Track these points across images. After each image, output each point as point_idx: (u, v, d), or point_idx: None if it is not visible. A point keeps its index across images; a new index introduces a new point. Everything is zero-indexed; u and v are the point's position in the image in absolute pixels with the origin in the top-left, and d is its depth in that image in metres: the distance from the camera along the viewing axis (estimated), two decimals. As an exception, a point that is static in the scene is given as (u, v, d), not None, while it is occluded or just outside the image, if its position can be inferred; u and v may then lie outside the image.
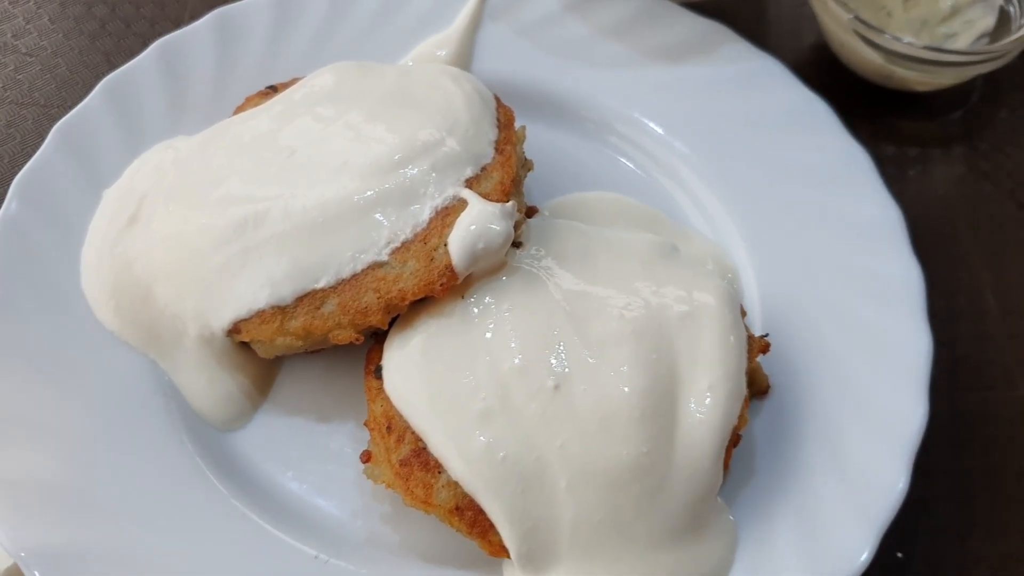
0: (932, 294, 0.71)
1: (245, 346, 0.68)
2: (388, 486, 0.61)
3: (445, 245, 0.63)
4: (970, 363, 0.76)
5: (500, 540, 0.59)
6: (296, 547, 0.62)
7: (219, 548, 0.61)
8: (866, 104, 0.89)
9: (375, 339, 0.66)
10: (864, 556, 0.59)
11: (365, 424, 0.64)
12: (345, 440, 0.67)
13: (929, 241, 0.75)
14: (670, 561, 0.59)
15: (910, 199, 0.79)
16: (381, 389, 0.63)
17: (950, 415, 0.73)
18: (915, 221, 0.74)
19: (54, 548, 0.58)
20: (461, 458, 0.59)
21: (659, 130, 0.81)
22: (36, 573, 0.56)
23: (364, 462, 0.63)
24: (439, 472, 0.60)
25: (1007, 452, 0.71)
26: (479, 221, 0.63)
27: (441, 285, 0.62)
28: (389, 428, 0.62)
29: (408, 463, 0.60)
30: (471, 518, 0.59)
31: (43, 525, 0.59)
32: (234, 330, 0.65)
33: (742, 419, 0.63)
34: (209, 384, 0.67)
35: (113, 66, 0.80)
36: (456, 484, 0.59)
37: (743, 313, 0.67)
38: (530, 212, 0.72)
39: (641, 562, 0.58)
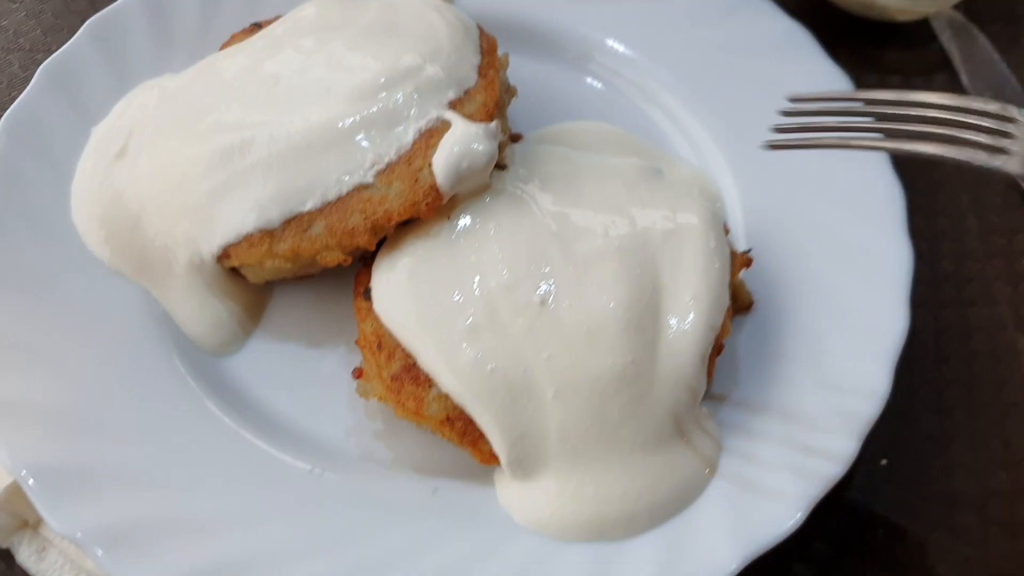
0: (915, 215, 0.72)
1: (235, 273, 0.68)
2: (380, 399, 0.62)
3: (430, 166, 0.63)
4: (951, 280, 0.77)
5: (490, 448, 0.60)
6: (290, 463, 0.62)
7: (216, 465, 0.61)
8: (848, 35, 0.89)
9: (363, 262, 0.67)
10: (848, 456, 0.60)
11: (356, 343, 0.65)
12: (337, 363, 0.67)
13: (911, 166, 0.76)
14: (655, 465, 0.60)
15: None
16: (371, 310, 0.64)
17: (932, 331, 0.74)
18: None
19: (53, 466, 0.58)
20: (451, 372, 0.60)
21: (641, 58, 0.82)
22: (35, 488, 0.57)
23: (356, 378, 0.64)
24: (429, 386, 0.61)
25: (986, 364, 0.72)
26: (463, 141, 0.63)
27: (426, 205, 0.63)
28: (379, 346, 0.63)
29: (399, 378, 0.61)
30: (461, 428, 0.60)
31: (42, 444, 0.59)
32: (224, 255, 0.65)
33: (725, 328, 0.64)
34: (200, 310, 0.68)
35: (98, 11, 0.79)
36: (446, 396, 0.60)
37: (726, 231, 0.67)
38: (514, 138, 0.73)
39: (627, 466, 0.59)
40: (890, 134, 0.59)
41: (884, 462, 0.68)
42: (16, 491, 0.62)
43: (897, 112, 0.59)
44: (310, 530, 0.59)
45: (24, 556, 0.63)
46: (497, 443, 0.60)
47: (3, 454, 0.59)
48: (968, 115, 0.58)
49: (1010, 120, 0.57)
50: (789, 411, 0.63)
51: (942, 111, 0.58)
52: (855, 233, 0.71)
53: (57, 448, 0.60)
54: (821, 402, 0.63)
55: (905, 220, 0.71)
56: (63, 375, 0.63)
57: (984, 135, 0.57)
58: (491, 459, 0.61)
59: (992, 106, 0.58)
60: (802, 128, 0.61)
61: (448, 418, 0.60)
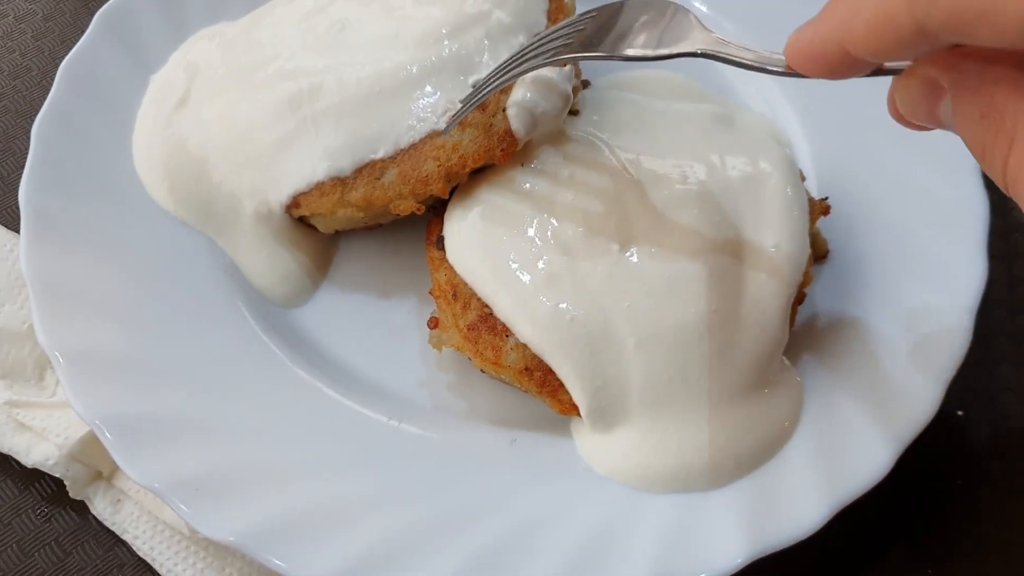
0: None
1: (302, 223, 0.67)
2: (457, 349, 0.61)
3: (503, 111, 0.62)
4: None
5: (570, 399, 0.59)
6: (367, 414, 0.62)
7: (290, 416, 0.61)
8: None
9: (434, 212, 0.66)
10: (934, 402, 0.59)
11: (430, 293, 0.64)
12: (407, 314, 0.67)
13: None
14: (738, 416, 0.59)
15: None
16: (444, 259, 0.63)
17: (1007, 281, 0.72)
18: None
19: (128, 417, 0.58)
20: (529, 322, 0.59)
21: (705, 8, 0.80)
22: (112, 440, 0.56)
23: (431, 328, 0.63)
24: (507, 335, 0.60)
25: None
26: (537, 86, 0.61)
27: (501, 151, 0.61)
28: (455, 295, 0.62)
29: (476, 327, 0.60)
30: (540, 378, 0.59)
31: (115, 395, 0.59)
32: (293, 204, 0.64)
33: (807, 277, 0.62)
34: (268, 261, 0.67)
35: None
36: (524, 346, 0.59)
37: (802, 178, 0.66)
38: (584, 85, 0.71)
39: (710, 417, 0.58)
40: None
41: (960, 413, 0.67)
42: (89, 443, 0.62)
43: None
44: (388, 480, 0.59)
45: (99, 508, 0.62)
46: (577, 393, 0.59)
47: (78, 405, 0.58)
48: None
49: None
50: (870, 359, 0.62)
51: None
52: (927, 180, 0.69)
53: (131, 399, 0.59)
54: (902, 350, 0.62)
55: (979, 168, 0.67)
56: (132, 326, 0.62)
57: None
58: (570, 409, 0.60)
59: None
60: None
61: (527, 368, 0.59)
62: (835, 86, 0.73)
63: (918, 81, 0.42)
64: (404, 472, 0.59)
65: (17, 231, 0.70)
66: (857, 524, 0.62)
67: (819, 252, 0.68)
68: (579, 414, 0.60)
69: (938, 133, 0.69)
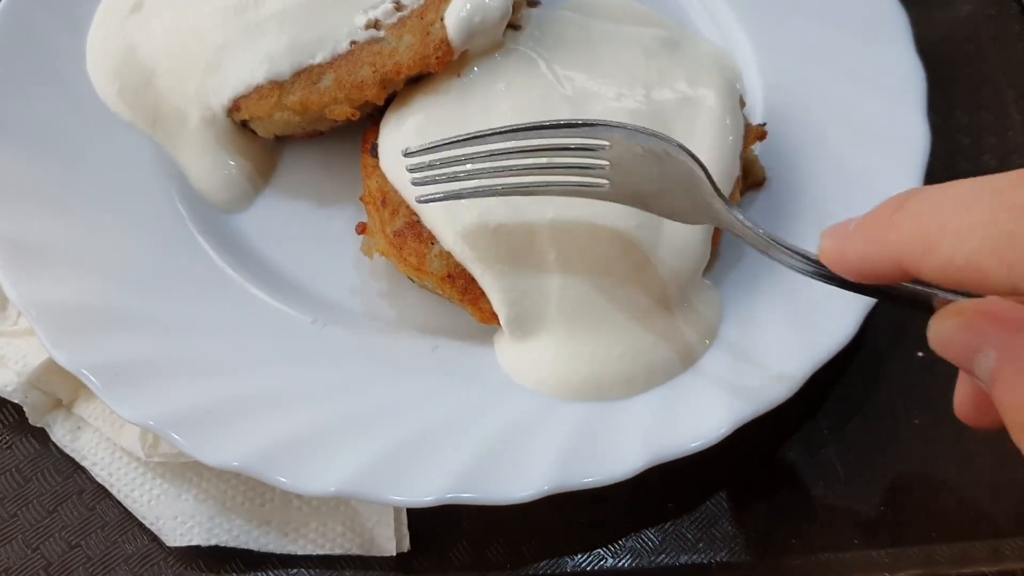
0: (958, 110, 0.70)
1: (246, 130, 0.67)
2: (382, 255, 0.62)
3: (442, 20, 0.61)
4: (995, 172, 0.74)
5: (490, 307, 0.59)
6: (293, 315, 0.62)
7: (219, 314, 0.61)
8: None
9: (371, 120, 0.66)
10: (847, 335, 0.59)
11: (361, 199, 0.64)
12: (344, 223, 0.66)
13: (954, 60, 0.73)
14: (654, 329, 0.59)
15: (935, 22, 0.77)
16: (377, 167, 0.63)
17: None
18: (940, 43, 0.72)
19: (58, 304, 0.59)
20: (453, 230, 0.59)
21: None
22: (39, 320, 0.57)
23: (359, 233, 0.63)
24: (432, 243, 0.60)
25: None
26: (476, -4, 0.61)
27: (437, 59, 0.61)
28: (384, 202, 0.62)
29: (402, 234, 0.61)
30: (463, 286, 0.60)
31: (48, 283, 0.60)
32: (234, 108, 0.64)
33: (733, 199, 0.62)
34: (212, 166, 0.67)
35: None
36: (448, 254, 0.59)
37: (742, 104, 0.65)
38: (532, 3, 0.69)
39: (626, 329, 0.59)
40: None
41: (920, 355, 0.66)
42: (49, 370, 0.62)
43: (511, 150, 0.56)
44: (310, 378, 0.59)
45: (59, 435, 0.63)
46: (497, 302, 0.59)
47: (11, 292, 0.58)
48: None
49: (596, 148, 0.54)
50: (794, 286, 0.61)
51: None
52: (873, 111, 0.68)
53: (63, 288, 0.60)
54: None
55: (924, 101, 0.68)
56: (70, 217, 0.63)
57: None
58: (491, 318, 0.60)
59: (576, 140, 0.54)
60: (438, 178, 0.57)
61: (449, 275, 0.60)
62: (790, 12, 0.74)
63: (963, 322, 0.41)
64: (326, 372, 0.60)
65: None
66: (821, 465, 0.62)
67: (756, 178, 0.67)
68: (499, 323, 0.60)
69: (884, 64, 0.70)
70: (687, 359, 0.59)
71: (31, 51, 0.69)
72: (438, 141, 0.57)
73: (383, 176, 0.63)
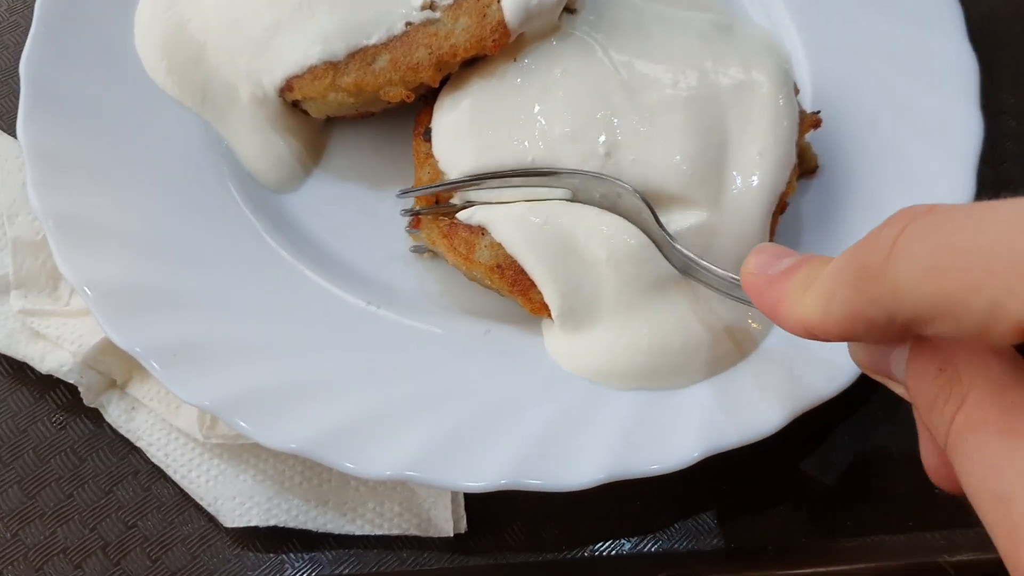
0: (1001, 92, 0.70)
1: (297, 109, 0.67)
2: (432, 244, 0.62)
3: (498, 2, 0.61)
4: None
5: (541, 299, 0.59)
6: (346, 298, 0.63)
7: (272, 296, 0.62)
8: None
9: (424, 102, 0.65)
10: None
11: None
12: (394, 205, 0.66)
13: (1000, 40, 0.73)
14: (711, 318, 0.59)
15: (980, 0, 0.76)
16: (429, 154, 0.63)
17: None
18: (984, 22, 0.71)
19: (112, 283, 0.59)
20: (504, 219, 0.59)
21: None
22: (93, 299, 0.58)
23: (412, 227, 0.63)
24: (483, 233, 0.60)
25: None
26: (534, -22, 0.60)
27: (493, 42, 0.61)
28: (436, 200, 0.62)
29: (454, 225, 0.61)
30: (512, 277, 0.59)
31: (102, 262, 0.60)
32: (286, 88, 0.64)
33: (790, 186, 0.62)
34: (262, 146, 0.67)
35: None
36: (498, 245, 0.59)
37: (796, 91, 0.65)
38: None
39: (683, 320, 0.59)
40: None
41: None
42: (103, 350, 0.62)
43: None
44: (364, 361, 0.59)
45: (113, 415, 0.63)
46: (548, 294, 0.59)
47: (65, 269, 0.59)
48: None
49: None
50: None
51: None
52: (923, 100, 0.68)
53: (118, 268, 0.60)
54: None
55: (977, 91, 0.68)
56: (124, 198, 0.63)
57: None
58: (541, 309, 0.60)
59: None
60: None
61: (498, 265, 0.59)
62: (840, 4, 0.74)
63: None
64: (379, 355, 0.60)
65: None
66: (875, 448, 0.63)
67: (809, 165, 0.67)
68: (550, 315, 0.60)
69: (936, 54, 0.70)
70: (744, 348, 0.59)
71: (82, 28, 0.68)
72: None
73: (435, 165, 0.62)
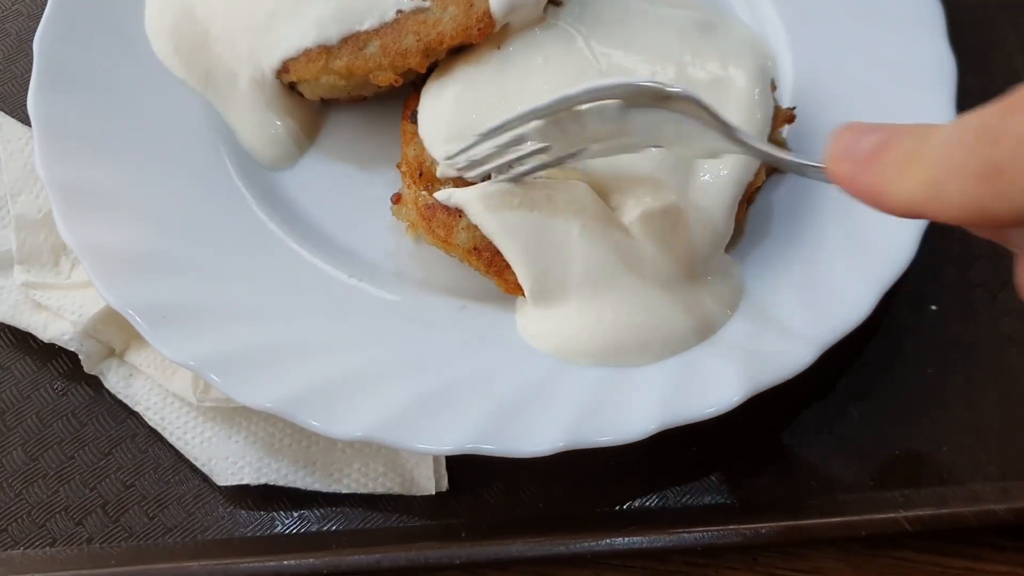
0: (967, 75, 0.70)
1: (294, 92, 0.70)
2: (412, 225, 0.64)
3: None
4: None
5: (515, 279, 0.61)
6: (329, 270, 0.66)
7: (262, 267, 0.65)
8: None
9: (414, 87, 0.68)
10: (866, 309, 0.61)
11: (398, 166, 0.66)
12: (383, 187, 0.69)
13: (965, 24, 0.75)
14: (675, 301, 0.61)
15: None
16: (415, 134, 0.65)
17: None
18: (949, 8, 0.72)
19: (108, 246, 0.62)
20: (480, 202, 0.61)
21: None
22: (92, 265, 0.61)
23: (394, 203, 0.66)
24: (460, 216, 0.62)
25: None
26: (520, -29, 0.62)
27: (478, 31, 0.64)
28: (420, 174, 0.64)
29: (432, 206, 0.63)
30: (488, 258, 0.62)
31: (102, 227, 0.63)
32: (283, 70, 0.67)
33: (758, 176, 0.64)
34: (260, 125, 0.70)
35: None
36: (475, 227, 0.61)
37: (773, 87, 0.67)
38: None
39: (647, 299, 0.61)
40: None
41: (934, 307, 0.69)
42: (103, 320, 0.65)
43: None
44: (344, 329, 0.62)
45: (112, 382, 0.66)
46: (522, 274, 0.61)
47: (66, 235, 0.62)
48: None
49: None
50: (815, 263, 0.64)
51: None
52: (902, 102, 0.70)
53: (115, 232, 0.63)
54: (848, 258, 0.64)
55: (954, 93, 0.69)
56: (125, 168, 0.66)
57: None
58: (515, 289, 0.62)
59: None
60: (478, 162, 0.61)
61: (476, 247, 0.62)
62: (827, 5, 0.76)
63: None
64: (358, 325, 0.63)
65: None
66: (838, 412, 0.65)
67: None
68: (523, 294, 0.62)
69: (916, 56, 0.71)
70: (707, 330, 0.61)
71: (95, 9, 0.72)
72: (473, 139, 0.60)
73: (420, 144, 0.65)
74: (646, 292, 0.61)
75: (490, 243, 0.61)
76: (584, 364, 0.61)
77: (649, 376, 0.60)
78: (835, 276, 0.63)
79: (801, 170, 0.52)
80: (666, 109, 0.55)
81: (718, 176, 0.62)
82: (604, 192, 0.62)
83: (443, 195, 0.62)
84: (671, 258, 0.61)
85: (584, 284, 0.61)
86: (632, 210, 0.61)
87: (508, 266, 0.61)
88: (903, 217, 0.39)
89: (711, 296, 0.63)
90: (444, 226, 0.62)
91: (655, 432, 0.56)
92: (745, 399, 0.57)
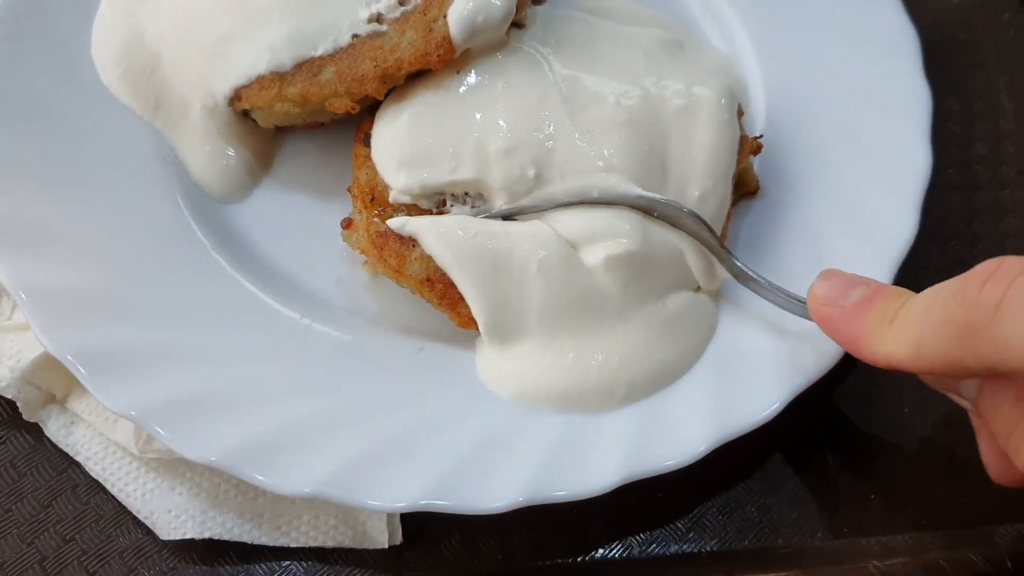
0: (949, 96, 0.70)
1: (247, 119, 0.68)
2: (363, 252, 0.62)
3: (445, 17, 0.61)
4: (984, 163, 0.75)
5: (469, 312, 0.59)
6: (280, 310, 0.63)
7: (207, 305, 0.62)
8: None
9: (369, 111, 0.65)
10: (833, 358, 0.59)
11: (349, 190, 0.64)
12: (338, 217, 0.65)
13: (946, 46, 0.74)
14: (636, 344, 0.59)
15: (928, 7, 0.77)
16: (368, 157, 0.63)
17: (966, 213, 0.73)
18: (932, 26, 0.72)
19: (44, 286, 0.59)
20: (434, 232, 0.59)
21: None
22: (25, 300, 0.58)
23: (344, 228, 0.63)
24: (413, 245, 0.59)
25: (1020, 245, 0.71)
26: (480, -5, 0.60)
27: (438, 56, 0.61)
28: (372, 199, 0.62)
29: (385, 234, 0.60)
30: (441, 290, 0.59)
31: (37, 263, 0.60)
32: (236, 97, 0.65)
33: (728, 218, 0.63)
34: (211, 155, 0.68)
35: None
36: (428, 258, 0.59)
37: (741, 113, 0.64)
38: (537, 1, 0.69)
39: (609, 339, 0.59)
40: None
41: None
42: (42, 365, 0.62)
43: None
44: (295, 374, 0.60)
45: (53, 430, 0.63)
46: (476, 308, 0.59)
47: (3, 275, 0.59)
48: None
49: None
50: (785, 314, 0.60)
51: None
52: (875, 132, 0.68)
53: (52, 269, 0.60)
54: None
55: (929, 125, 0.68)
56: (64, 199, 0.63)
57: None
58: (469, 323, 0.59)
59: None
60: None
61: (428, 279, 0.59)
62: (797, 26, 0.73)
63: None
64: (310, 369, 0.60)
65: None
66: (812, 455, 0.63)
67: (749, 188, 0.67)
68: (477, 328, 0.59)
69: (890, 84, 0.70)
70: (672, 375, 0.59)
71: (38, 30, 0.69)
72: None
73: (372, 168, 0.63)
74: (608, 332, 0.59)
75: (444, 275, 0.59)
76: (546, 410, 0.58)
77: (613, 424, 0.57)
78: (804, 317, 0.60)
79: (781, 301, 0.56)
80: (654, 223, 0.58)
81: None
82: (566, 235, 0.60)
83: (396, 223, 0.60)
84: (637, 298, 0.59)
85: (542, 322, 0.59)
86: (596, 254, 0.59)
87: (462, 299, 0.59)
88: (881, 367, 0.45)
89: (680, 338, 0.61)
90: (396, 255, 0.60)
91: (617, 486, 0.54)
92: (711, 449, 0.56)
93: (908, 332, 0.42)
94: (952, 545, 0.59)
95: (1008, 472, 0.46)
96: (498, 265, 0.58)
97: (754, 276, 0.58)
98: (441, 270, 0.59)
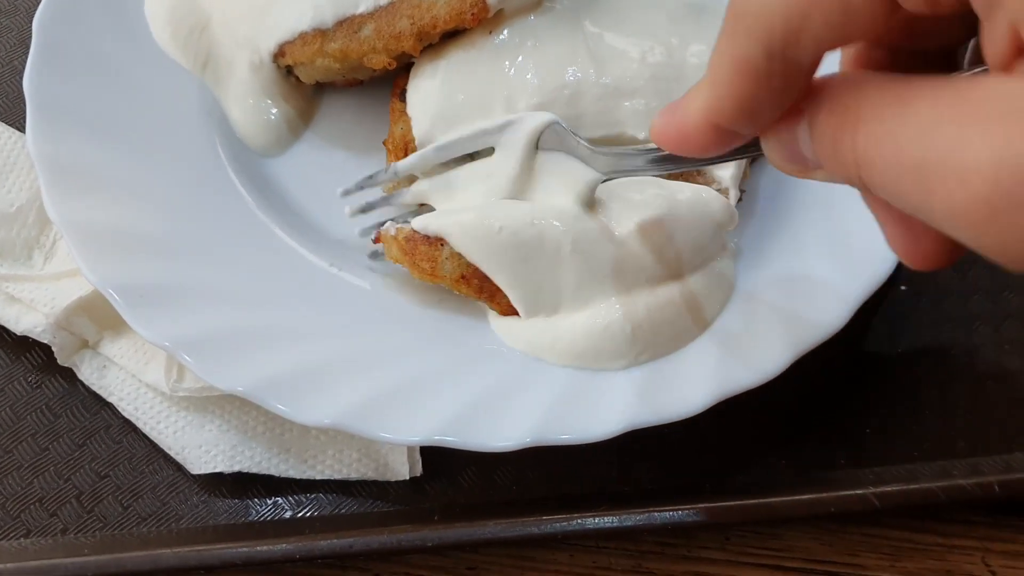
0: None
1: (290, 76, 0.72)
2: (396, 262, 0.64)
3: None
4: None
5: (508, 301, 0.61)
6: (311, 258, 0.67)
7: (243, 252, 0.66)
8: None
9: (406, 69, 0.69)
10: (840, 320, 0.61)
11: (384, 143, 0.67)
12: (373, 172, 0.68)
13: None
14: (665, 305, 0.62)
15: None
16: (404, 111, 0.66)
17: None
18: None
19: (91, 223, 0.63)
20: (461, 229, 0.61)
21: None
22: (73, 238, 0.62)
23: (374, 242, 0.66)
24: (442, 245, 0.61)
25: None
26: (514, -44, 0.61)
27: (472, 15, 0.64)
28: (406, 152, 0.66)
29: (413, 239, 0.62)
30: (477, 285, 0.61)
31: (84, 202, 0.64)
32: (279, 53, 0.68)
33: (745, 175, 0.64)
34: (254, 110, 0.72)
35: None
36: (459, 255, 0.61)
37: None
38: None
39: (638, 304, 0.62)
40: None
41: (904, 288, 0.70)
42: (76, 311, 0.65)
43: None
44: (320, 316, 0.63)
45: (86, 374, 0.66)
46: (515, 299, 0.61)
47: (49, 207, 0.63)
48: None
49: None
50: (796, 275, 0.64)
51: None
52: None
53: (99, 208, 0.64)
54: (828, 264, 0.64)
55: None
56: (115, 144, 0.68)
57: None
58: (510, 311, 0.61)
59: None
60: None
61: (463, 276, 0.61)
62: None
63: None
64: (335, 313, 0.63)
65: (10, 124, 0.75)
66: (810, 391, 0.66)
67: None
68: (519, 314, 0.62)
69: None
70: (690, 340, 0.62)
71: None
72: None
73: (408, 122, 0.66)
74: (637, 299, 0.61)
75: (477, 269, 0.61)
76: (559, 364, 0.61)
77: (621, 376, 0.60)
78: (813, 283, 0.64)
79: (647, 166, 0.59)
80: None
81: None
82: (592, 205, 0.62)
83: (420, 223, 0.62)
84: (667, 266, 0.62)
85: (577, 296, 0.61)
86: (626, 223, 0.61)
87: (499, 289, 0.61)
88: (708, 139, 0.40)
89: (703, 306, 0.63)
90: (428, 258, 0.62)
91: (620, 433, 0.56)
92: (712, 405, 0.57)
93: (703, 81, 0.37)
94: (944, 475, 0.61)
95: (911, 245, 0.39)
96: (528, 255, 0.60)
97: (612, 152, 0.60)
98: (473, 266, 0.61)
